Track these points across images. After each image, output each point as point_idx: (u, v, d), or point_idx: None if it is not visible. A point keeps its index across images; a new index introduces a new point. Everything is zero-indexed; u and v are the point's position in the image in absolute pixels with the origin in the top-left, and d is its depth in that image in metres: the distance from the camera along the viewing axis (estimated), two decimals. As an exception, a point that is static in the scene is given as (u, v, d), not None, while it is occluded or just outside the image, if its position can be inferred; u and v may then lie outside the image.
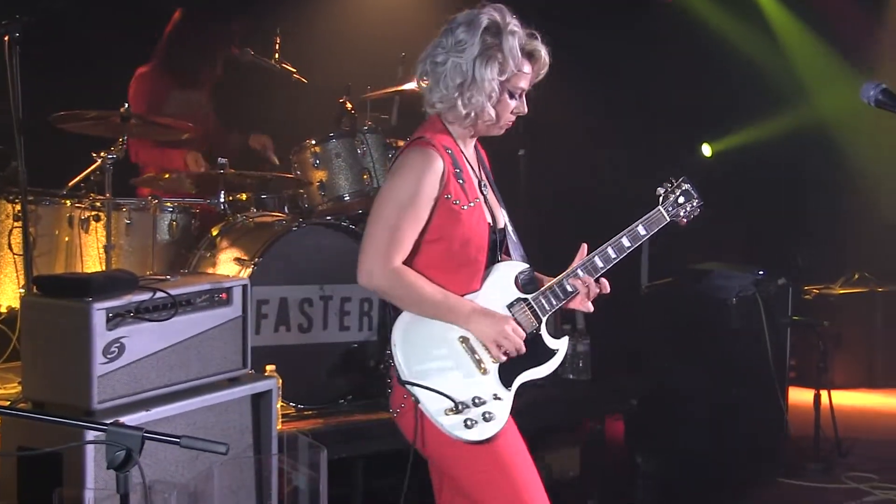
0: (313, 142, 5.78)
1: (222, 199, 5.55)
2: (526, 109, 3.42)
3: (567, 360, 6.05)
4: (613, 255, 3.46)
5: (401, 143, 6.20)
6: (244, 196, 5.75)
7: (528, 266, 3.48)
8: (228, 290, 4.21)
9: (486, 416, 3.29)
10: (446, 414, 3.27)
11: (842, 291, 8.49)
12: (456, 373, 3.32)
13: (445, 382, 3.30)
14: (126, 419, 3.63)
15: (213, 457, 3.70)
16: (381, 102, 6.52)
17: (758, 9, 8.69)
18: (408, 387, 3.28)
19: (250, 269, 5.09)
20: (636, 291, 6.75)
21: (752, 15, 8.67)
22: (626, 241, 3.46)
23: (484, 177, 3.51)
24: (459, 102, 3.33)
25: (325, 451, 4.16)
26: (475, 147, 3.54)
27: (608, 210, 7.26)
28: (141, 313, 3.87)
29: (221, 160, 5.46)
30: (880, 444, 6.36)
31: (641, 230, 3.49)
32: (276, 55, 6.40)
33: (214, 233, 5.49)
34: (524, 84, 3.39)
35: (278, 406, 4.48)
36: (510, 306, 3.40)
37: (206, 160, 6.13)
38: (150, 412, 3.84)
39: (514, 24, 3.35)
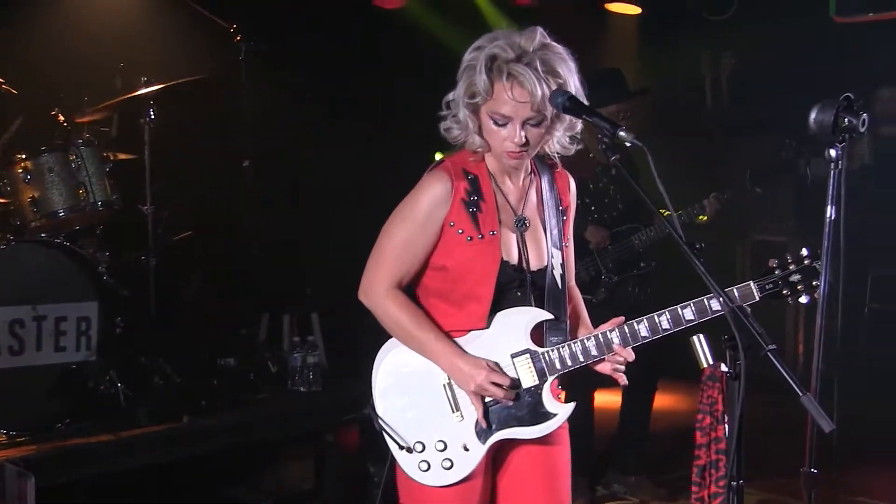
0: (23, 156, 5.52)
1: (-83, 221, 5.24)
2: (518, 140, 3.07)
3: (298, 372, 6.07)
4: (666, 327, 3.08)
5: (121, 156, 6.10)
6: (-55, 217, 5.45)
7: (552, 316, 3.17)
8: (-82, 316, 3.98)
9: (445, 464, 3.13)
10: (400, 451, 3.16)
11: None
12: (428, 411, 3.15)
13: (411, 417, 3.15)
14: None
15: None
16: (100, 114, 6.31)
17: (482, 19, 8.90)
18: (370, 413, 3.17)
19: (-48, 292, 4.83)
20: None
21: (476, 25, 8.87)
22: (688, 313, 3.06)
23: (537, 212, 3.26)
24: (446, 123, 3.17)
25: (33, 478, 3.99)
26: (545, 178, 3.29)
27: (347, 216, 7.29)
28: None
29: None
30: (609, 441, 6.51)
31: (715, 304, 3.02)
32: (-18, 66, 6.08)
33: (-87, 256, 5.18)
34: (505, 110, 3.05)
35: (-15, 434, 4.27)
36: (515, 356, 3.15)
37: None
38: None
39: (504, 44, 3.04)
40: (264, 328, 7.07)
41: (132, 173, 6.08)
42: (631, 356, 3.13)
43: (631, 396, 6.21)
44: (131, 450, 5.10)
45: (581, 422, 6.10)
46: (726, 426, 2.94)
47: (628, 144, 2.90)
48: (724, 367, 2.82)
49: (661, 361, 5.80)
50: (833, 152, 2.99)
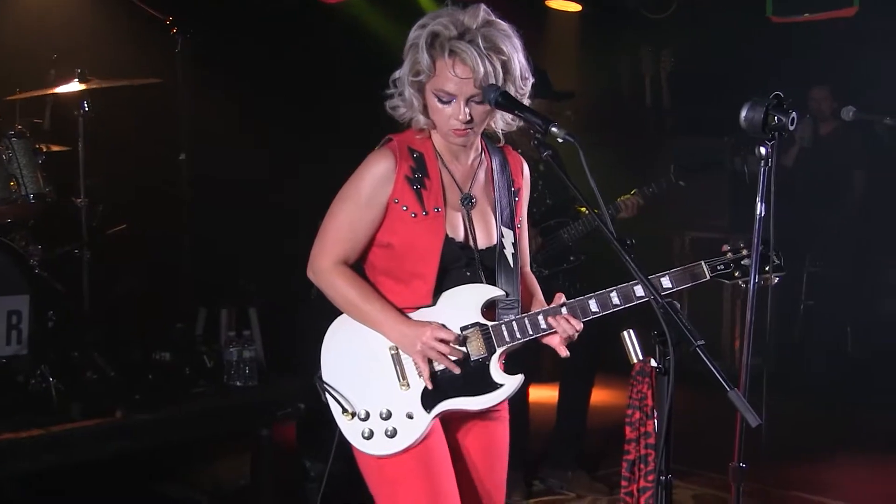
0: (-48, 147, 5.42)
1: None
2: (463, 117, 3.08)
3: (233, 366, 6.01)
4: (617, 303, 3.13)
5: (54, 148, 6.01)
6: None
7: (503, 292, 3.19)
8: None
9: (389, 432, 3.14)
10: (343, 416, 3.17)
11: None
12: (374, 380, 3.17)
13: (357, 387, 3.17)
14: None
15: None
16: (33, 106, 6.22)
17: (423, 13, 8.88)
18: (317, 382, 3.21)
19: None
20: (307, 294, 6.73)
21: (418, 18, 8.84)
22: (638, 290, 3.08)
23: (486, 191, 3.28)
24: (392, 101, 3.19)
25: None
26: (496, 159, 3.30)
27: (287, 209, 7.25)
28: None
29: None
30: (545, 436, 6.53)
31: (667, 282, 3.11)
32: None
33: None
34: (449, 87, 3.05)
35: None
36: (465, 328, 3.17)
37: None
38: None
39: (447, 21, 3.04)
40: (202, 322, 7.01)
41: (65, 165, 6.01)
42: (580, 326, 3.16)
43: (568, 391, 6.23)
44: (63, 445, 5.02)
45: (517, 415, 6.14)
46: (655, 421, 2.96)
47: (560, 140, 2.91)
48: (653, 363, 2.84)
49: (600, 356, 5.83)
50: (763, 150, 3.01)
